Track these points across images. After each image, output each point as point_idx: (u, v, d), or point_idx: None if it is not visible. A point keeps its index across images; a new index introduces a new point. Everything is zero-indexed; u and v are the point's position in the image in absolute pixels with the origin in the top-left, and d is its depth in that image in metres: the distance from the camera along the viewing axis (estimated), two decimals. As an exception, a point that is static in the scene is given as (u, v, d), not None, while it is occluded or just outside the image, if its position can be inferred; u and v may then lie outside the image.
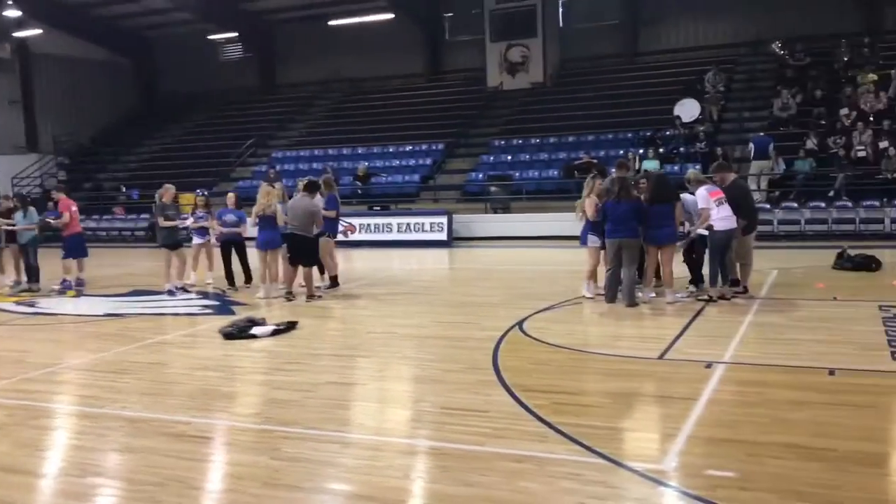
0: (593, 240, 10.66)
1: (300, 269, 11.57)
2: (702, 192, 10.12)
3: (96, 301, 12.28)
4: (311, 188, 11.80)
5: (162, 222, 12.77)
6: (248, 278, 12.93)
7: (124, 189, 28.28)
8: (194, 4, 28.66)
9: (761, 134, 20.19)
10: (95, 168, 31.12)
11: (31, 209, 13.68)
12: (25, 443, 5.67)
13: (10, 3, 24.86)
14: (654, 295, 10.43)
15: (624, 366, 7.26)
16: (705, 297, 10.18)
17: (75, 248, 13.61)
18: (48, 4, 29.16)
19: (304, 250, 11.42)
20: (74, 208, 13.73)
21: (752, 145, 20.11)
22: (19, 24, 27.14)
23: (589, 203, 10.56)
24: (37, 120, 31.34)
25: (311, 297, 11.52)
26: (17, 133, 30.83)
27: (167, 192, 13.04)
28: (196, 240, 13.43)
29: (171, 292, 12.49)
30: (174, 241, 12.82)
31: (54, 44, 30.84)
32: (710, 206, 9.97)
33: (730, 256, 10.26)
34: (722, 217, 9.96)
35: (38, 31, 28.28)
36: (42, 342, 9.50)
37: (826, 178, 19.10)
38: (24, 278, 13.72)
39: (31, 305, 12.07)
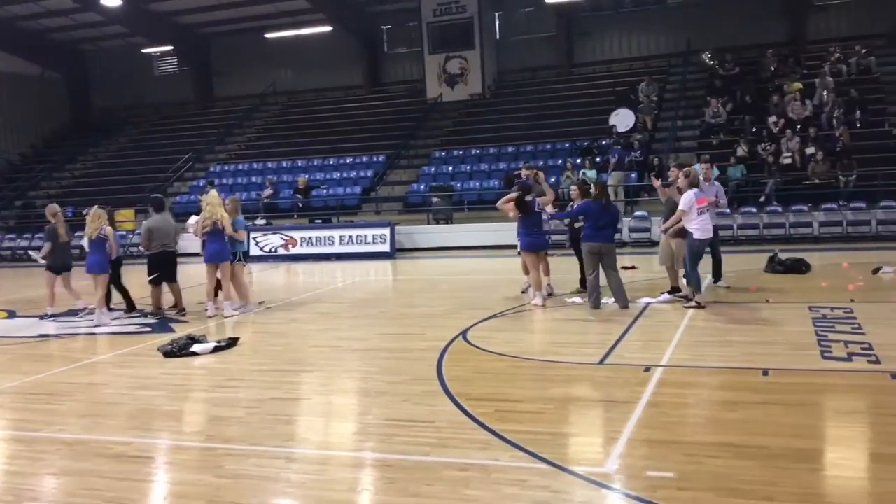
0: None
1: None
2: (690, 195, 10.00)
3: (30, 322, 11.93)
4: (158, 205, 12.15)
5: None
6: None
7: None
8: (128, 17, 28.15)
9: (618, 147, 21.68)
10: (27, 185, 30.24)
11: None
12: (-43, 470, 5.50)
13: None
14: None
15: (565, 372, 7.38)
16: (693, 304, 10.08)
17: None
18: (-27, 18, 28.47)
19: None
20: None
21: (615, 157, 20.97)
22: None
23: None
24: (-38, 136, 30.43)
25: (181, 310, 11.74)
26: (-59, 150, 29.91)
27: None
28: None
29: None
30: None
31: (-20, 58, 30.03)
32: (692, 213, 9.95)
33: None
34: (702, 226, 10.05)
35: (-38, 45, 27.48)
36: (-28, 366, 9.20)
37: (756, 184, 19.67)
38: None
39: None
